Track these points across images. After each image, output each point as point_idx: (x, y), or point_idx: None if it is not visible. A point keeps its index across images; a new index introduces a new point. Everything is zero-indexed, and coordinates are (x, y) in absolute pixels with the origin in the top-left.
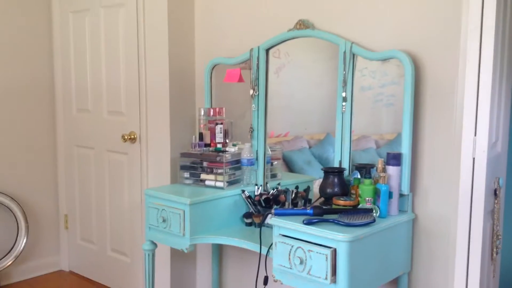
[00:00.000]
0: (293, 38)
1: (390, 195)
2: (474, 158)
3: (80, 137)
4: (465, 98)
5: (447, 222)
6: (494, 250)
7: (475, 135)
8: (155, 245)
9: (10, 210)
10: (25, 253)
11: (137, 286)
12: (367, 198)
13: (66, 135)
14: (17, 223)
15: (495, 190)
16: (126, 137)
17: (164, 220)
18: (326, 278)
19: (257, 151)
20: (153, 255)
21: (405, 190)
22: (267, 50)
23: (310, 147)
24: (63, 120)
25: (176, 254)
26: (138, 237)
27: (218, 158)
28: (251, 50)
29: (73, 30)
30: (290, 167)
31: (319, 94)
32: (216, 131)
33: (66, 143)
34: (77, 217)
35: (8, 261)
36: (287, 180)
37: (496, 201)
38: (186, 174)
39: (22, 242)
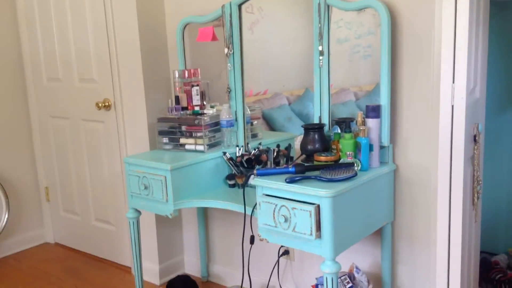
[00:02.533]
0: None
1: (370, 147)
2: (453, 106)
3: (53, 107)
4: (442, 45)
5: (428, 170)
6: (475, 195)
7: (453, 83)
8: (138, 212)
9: None
10: (8, 228)
11: (125, 253)
12: (348, 152)
13: (39, 106)
14: None
15: (475, 136)
16: (100, 104)
17: (146, 187)
18: (311, 234)
19: (235, 111)
20: (138, 222)
21: (385, 141)
22: (240, 6)
23: (289, 104)
24: (34, 91)
25: (161, 220)
26: (122, 205)
27: (196, 121)
28: (223, 6)
29: None
30: (270, 125)
31: (295, 49)
32: (193, 93)
33: (40, 114)
34: (58, 189)
35: None
36: (268, 139)
37: (476, 147)
38: (165, 140)
39: (4, 217)
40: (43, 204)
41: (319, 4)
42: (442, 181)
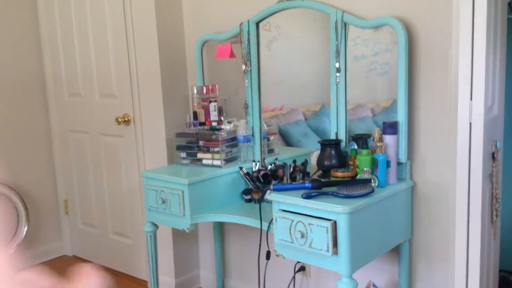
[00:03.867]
0: (283, 9)
1: (388, 164)
2: (471, 123)
3: (73, 122)
4: (460, 63)
5: (446, 187)
6: (494, 213)
7: (471, 100)
8: (156, 226)
9: (9, 199)
10: (27, 240)
11: (141, 267)
12: (365, 169)
13: (60, 121)
14: (17, 212)
15: (493, 154)
16: (120, 119)
17: (163, 201)
18: (327, 250)
19: (252, 127)
20: (155, 236)
21: (403, 158)
22: (257, 24)
23: (306, 119)
24: (55, 106)
25: (178, 234)
26: (139, 218)
27: (213, 137)
28: (241, 24)
29: (59, 14)
30: (287, 140)
31: (312, 66)
32: (210, 109)
33: (60, 128)
34: (77, 202)
35: (11, 250)
36: (284, 155)
37: (494, 164)
38: (183, 154)
39: (23, 230)
40: (61, 217)
41: (336, 22)
42: (460, 199)
